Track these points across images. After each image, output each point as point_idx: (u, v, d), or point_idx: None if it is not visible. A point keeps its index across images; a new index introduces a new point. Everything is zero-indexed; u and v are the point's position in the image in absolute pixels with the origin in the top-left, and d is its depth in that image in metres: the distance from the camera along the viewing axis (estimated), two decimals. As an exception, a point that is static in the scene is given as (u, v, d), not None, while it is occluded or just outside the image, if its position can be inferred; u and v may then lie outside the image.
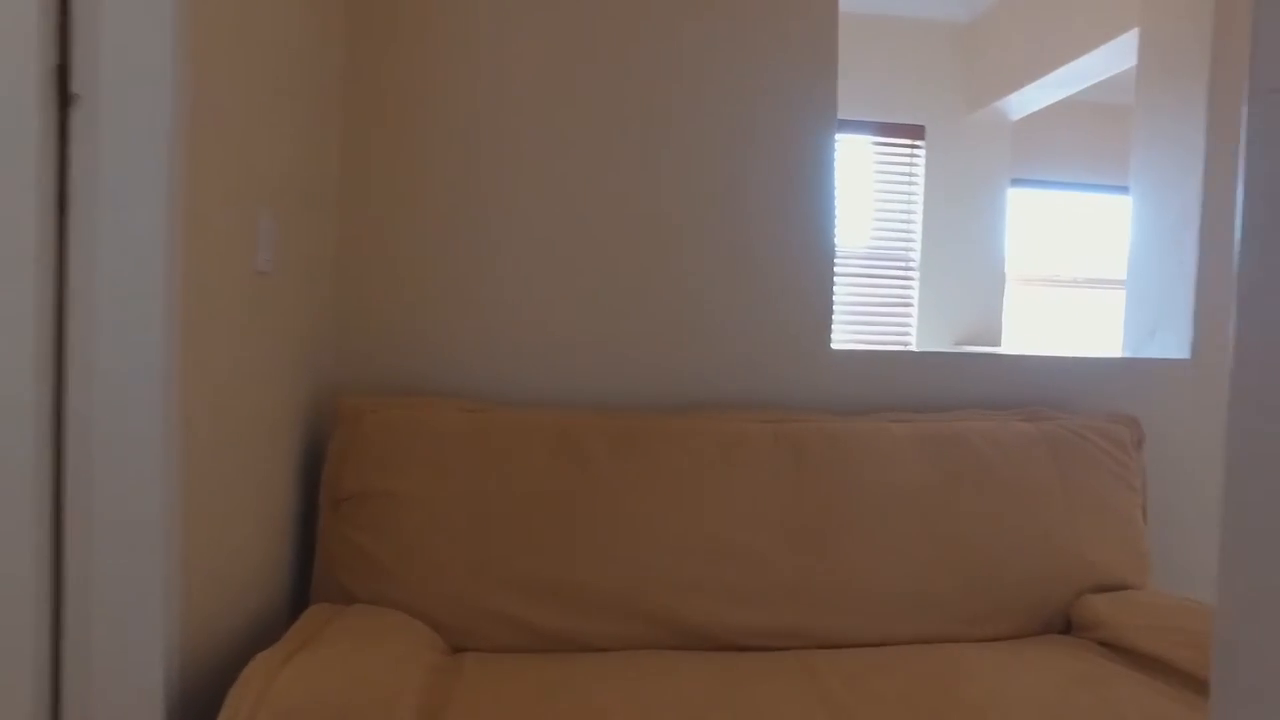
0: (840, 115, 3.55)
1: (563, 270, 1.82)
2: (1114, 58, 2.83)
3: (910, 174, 3.78)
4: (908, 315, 3.83)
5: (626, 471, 1.56)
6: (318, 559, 1.49)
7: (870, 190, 3.78)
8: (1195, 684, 1.35)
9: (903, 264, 3.80)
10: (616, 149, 1.83)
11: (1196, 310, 2.07)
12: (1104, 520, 1.72)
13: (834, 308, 1.93)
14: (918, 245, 3.78)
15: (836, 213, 1.91)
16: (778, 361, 1.89)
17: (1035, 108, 3.50)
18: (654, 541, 1.51)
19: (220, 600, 1.20)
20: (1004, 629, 1.61)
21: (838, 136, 1.90)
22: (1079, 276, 4.56)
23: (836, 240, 1.92)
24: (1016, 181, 4.25)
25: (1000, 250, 3.80)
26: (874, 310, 3.80)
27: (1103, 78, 3.02)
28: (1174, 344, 2.11)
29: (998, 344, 3.80)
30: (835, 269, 1.91)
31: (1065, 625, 1.65)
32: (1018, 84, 3.26)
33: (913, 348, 3.77)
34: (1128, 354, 2.23)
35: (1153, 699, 1.30)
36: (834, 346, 1.92)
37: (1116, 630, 1.52)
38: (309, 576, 1.57)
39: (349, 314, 1.76)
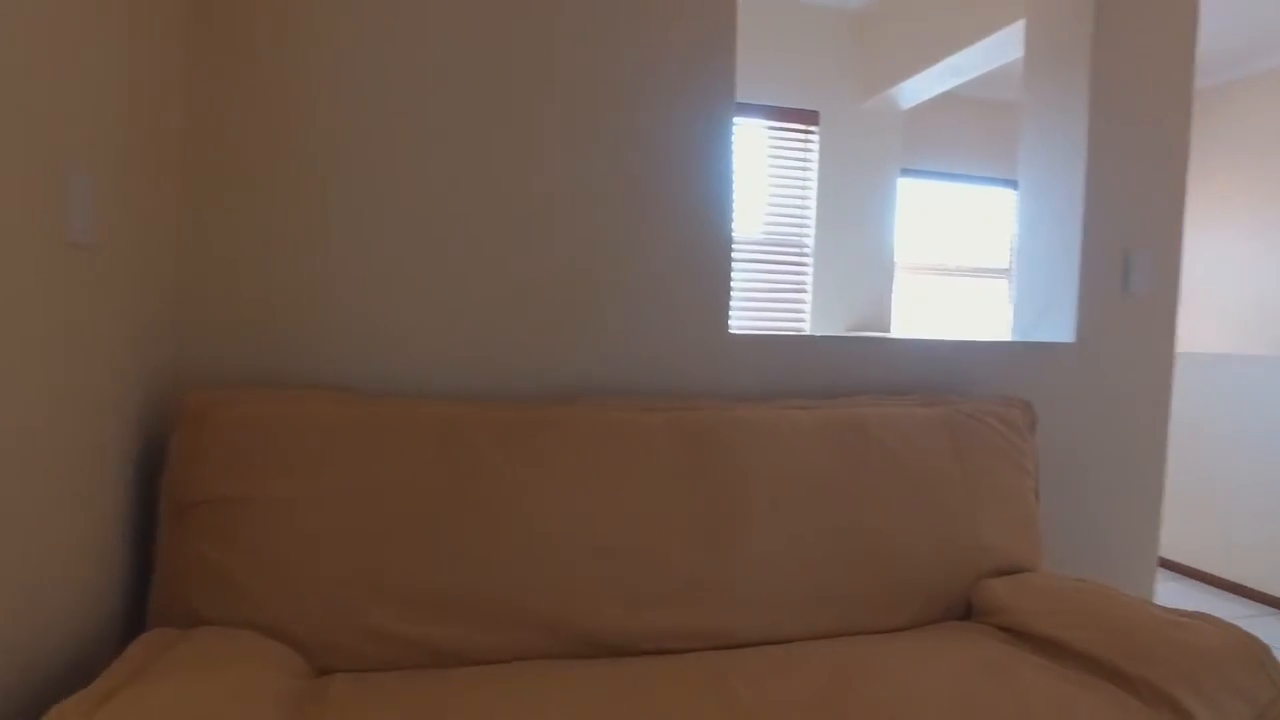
0: (736, 98, 3.50)
1: (444, 250, 1.67)
2: (1001, 48, 2.88)
3: (805, 160, 3.77)
4: (802, 301, 3.83)
5: (516, 467, 1.44)
6: (157, 576, 1.29)
7: (765, 175, 3.75)
8: (1096, 666, 1.34)
9: (797, 250, 3.80)
10: (504, 126, 1.69)
11: (1080, 295, 2.11)
12: (1001, 503, 1.71)
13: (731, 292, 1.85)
14: (812, 231, 3.79)
15: (734, 194, 1.83)
16: (675, 347, 1.81)
17: (925, 97, 3.55)
18: (545, 542, 1.39)
19: (19, 634, 1.00)
20: (906, 618, 1.58)
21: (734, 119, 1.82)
22: (960, 266, 4.69)
23: (734, 223, 1.85)
24: (904, 171, 4.33)
25: (890, 238, 3.85)
26: (769, 296, 3.79)
27: (991, 68, 3.08)
28: (1060, 328, 2.15)
29: (887, 331, 3.86)
30: (732, 253, 1.84)
31: (965, 611, 1.63)
32: (908, 72, 3.29)
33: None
34: (1016, 338, 2.27)
35: (1058, 685, 1.28)
36: (732, 332, 1.84)
37: (1017, 615, 1.51)
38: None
39: (198, 295, 1.56)
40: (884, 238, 3.83)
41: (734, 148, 1.82)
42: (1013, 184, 4.71)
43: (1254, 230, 4.27)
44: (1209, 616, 1.46)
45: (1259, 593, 3.20)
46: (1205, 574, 3.46)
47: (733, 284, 3.60)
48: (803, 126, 3.75)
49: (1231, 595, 3.29)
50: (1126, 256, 2.15)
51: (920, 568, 1.59)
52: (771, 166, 3.76)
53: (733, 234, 1.83)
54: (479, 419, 1.47)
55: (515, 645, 1.35)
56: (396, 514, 1.35)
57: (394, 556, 1.33)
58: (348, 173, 1.61)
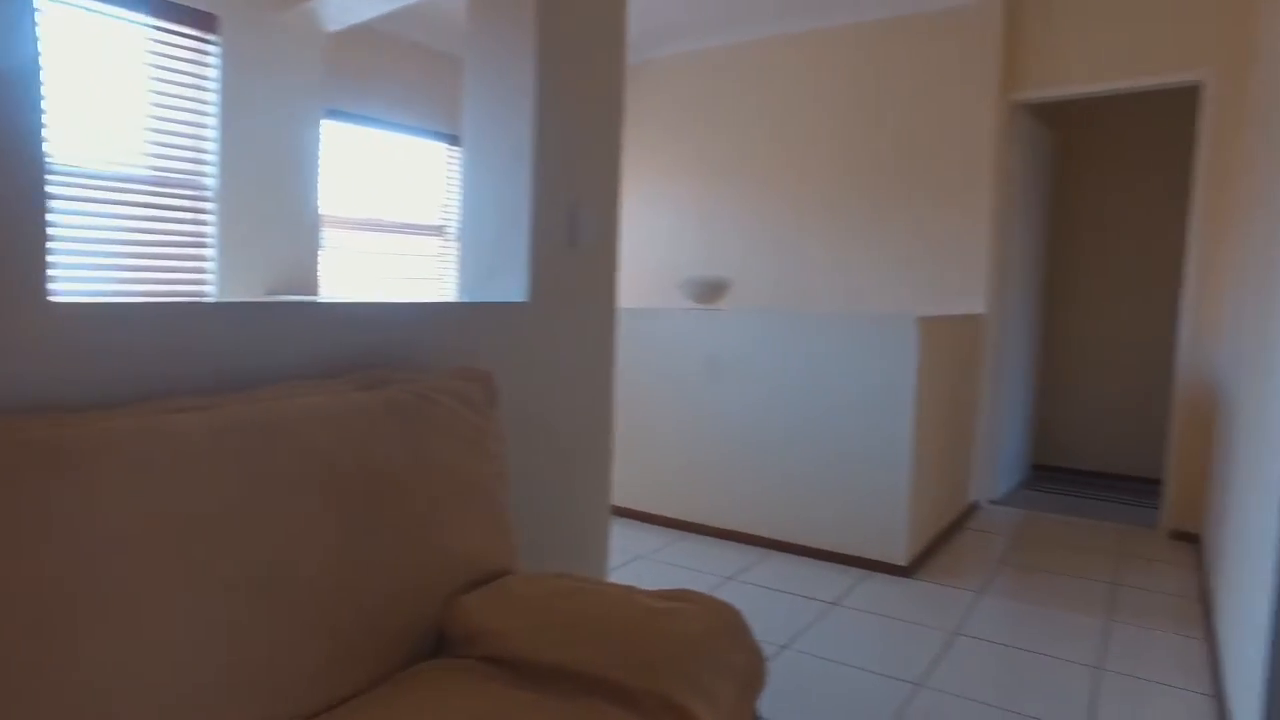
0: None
1: None
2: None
3: (200, 77, 2.98)
4: (204, 259, 3.06)
5: None
6: None
7: (147, 93, 2.86)
8: (599, 687, 1.13)
9: (195, 192, 3.01)
10: None
11: (532, 252, 1.93)
12: (466, 499, 1.41)
13: (58, 240, 1.17)
14: (215, 170, 3.03)
15: (41, 97, 1.13)
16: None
17: (353, 20, 3.07)
18: None
19: None
20: (366, 674, 1.17)
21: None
22: (388, 220, 4.37)
23: (46, 135, 1.15)
24: (330, 112, 3.80)
25: (314, 185, 3.31)
26: (160, 253, 2.93)
27: (420, -4, 2.74)
28: (512, 287, 1.94)
29: (315, 294, 3.34)
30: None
31: (438, 643, 1.29)
32: (327, -15, 2.78)
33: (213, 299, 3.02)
34: (464, 299, 2.00)
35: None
36: (55, 299, 1.16)
37: (501, 640, 1.22)
38: None
39: None
40: (307, 184, 3.26)
41: (36, 29, 1.12)
42: (446, 136, 4.54)
43: (650, 198, 4.84)
44: (690, 594, 1.37)
45: (675, 520, 3.61)
46: (623, 508, 3.79)
47: (100, 235, 2.65)
48: (196, 33, 2.95)
49: (649, 525, 3.65)
50: (573, 212, 2.03)
51: (376, 605, 1.19)
52: (156, 81, 2.88)
53: (46, 157, 1.14)
54: None
55: None
56: None
57: None
58: None
